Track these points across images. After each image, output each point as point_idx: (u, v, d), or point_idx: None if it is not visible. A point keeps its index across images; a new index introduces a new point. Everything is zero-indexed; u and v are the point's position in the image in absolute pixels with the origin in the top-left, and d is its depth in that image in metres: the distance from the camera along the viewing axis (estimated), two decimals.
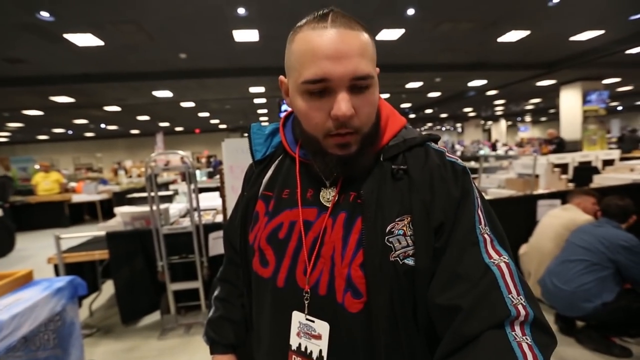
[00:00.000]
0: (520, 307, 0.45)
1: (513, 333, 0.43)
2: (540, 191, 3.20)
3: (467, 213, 0.52)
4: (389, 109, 0.61)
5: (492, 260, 0.49)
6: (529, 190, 3.12)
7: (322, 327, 0.53)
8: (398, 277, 0.50)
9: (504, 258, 0.50)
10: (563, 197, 2.93)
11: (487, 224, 0.53)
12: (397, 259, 0.50)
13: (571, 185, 3.45)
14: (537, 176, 3.31)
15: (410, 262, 0.50)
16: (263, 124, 0.70)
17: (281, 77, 0.57)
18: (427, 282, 0.50)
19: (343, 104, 0.48)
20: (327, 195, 0.57)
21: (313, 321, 0.53)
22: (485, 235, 0.51)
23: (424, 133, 0.62)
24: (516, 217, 2.81)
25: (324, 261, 0.54)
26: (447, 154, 0.57)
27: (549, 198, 2.91)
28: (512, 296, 0.47)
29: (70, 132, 16.49)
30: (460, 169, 0.55)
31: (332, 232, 0.54)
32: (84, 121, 13.10)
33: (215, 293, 0.77)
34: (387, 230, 0.51)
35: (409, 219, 0.52)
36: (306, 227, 0.56)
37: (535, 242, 2.42)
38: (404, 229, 0.51)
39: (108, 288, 2.94)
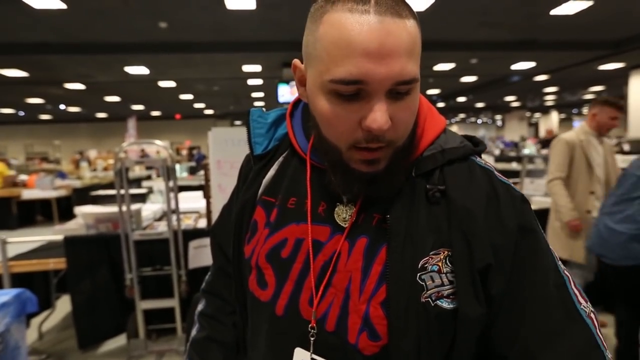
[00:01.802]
0: None
1: None
2: None
3: (543, 251, 0.53)
4: (426, 108, 0.60)
5: (582, 306, 0.51)
6: None
7: None
8: (428, 321, 0.50)
9: (590, 306, 0.53)
10: None
11: (559, 260, 0.55)
12: (429, 299, 0.51)
13: None
14: None
15: (444, 304, 0.51)
16: (264, 109, 0.68)
17: (296, 62, 0.56)
18: (473, 331, 0.51)
19: (379, 114, 0.47)
20: (344, 214, 0.57)
21: None
22: (567, 273, 0.53)
23: (462, 133, 0.62)
24: None
25: (335, 292, 0.54)
26: (496, 172, 0.57)
27: None
28: (608, 353, 0.50)
29: (21, 113, 16.69)
30: (518, 195, 0.55)
31: (349, 259, 0.54)
32: (39, 100, 13.25)
33: (200, 307, 0.78)
34: (419, 265, 0.51)
35: (446, 252, 0.52)
36: (315, 248, 0.56)
37: None
38: (439, 264, 0.51)
39: (63, 305, 2.97)
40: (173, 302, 2.45)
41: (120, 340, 2.65)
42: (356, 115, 0.48)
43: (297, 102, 0.67)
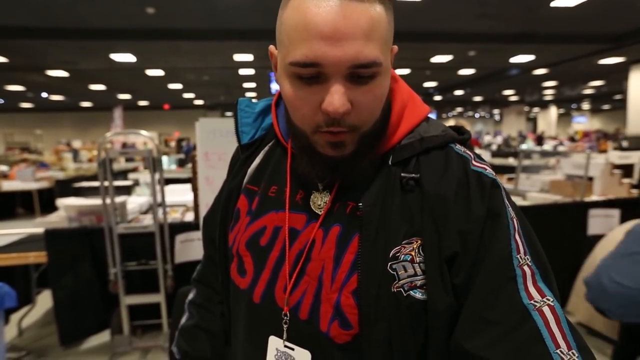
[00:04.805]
0: None
1: None
2: (593, 198, 3.22)
3: (499, 239, 0.52)
4: (406, 95, 0.61)
5: (532, 302, 0.49)
6: (578, 197, 3.14)
7: (303, 356, 0.55)
8: (399, 311, 0.51)
9: (548, 299, 0.49)
10: (624, 207, 2.95)
11: (527, 252, 0.52)
12: (401, 289, 0.51)
13: (635, 192, 3.47)
14: (590, 179, 3.33)
15: (417, 294, 0.51)
16: (253, 99, 0.70)
17: (271, 48, 0.58)
18: (444, 322, 0.51)
19: (336, 97, 0.48)
20: (319, 201, 0.58)
21: (293, 349, 0.55)
22: (525, 268, 0.50)
23: (450, 124, 0.62)
24: (561, 229, 2.84)
25: (308, 280, 0.56)
26: (473, 161, 0.57)
27: (604, 207, 2.92)
28: (560, 351, 0.46)
29: (1, 101, 16.44)
30: (488, 181, 0.54)
31: (323, 247, 0.56)
32: (19, 88, 13.05)
33: (191, 296, 0.81)
34: (390, 254, 0.52)
35: (419, 242, 0.53)
36: (292, 237, 0.58)
37: (591, 258, 2.45)
38: (412, 254, 0.52)
39: (44, 300, 2.95)
40: (159, 298, 2.45)
41: (103, 337, 2.64)
42: (316, 98, 0.50)
43: None
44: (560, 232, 2.85)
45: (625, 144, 9.83)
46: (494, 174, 0.56)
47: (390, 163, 0.57)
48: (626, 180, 3.52)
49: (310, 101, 0.50)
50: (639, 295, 1.85)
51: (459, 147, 0.59)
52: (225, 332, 0.74)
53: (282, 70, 0.52)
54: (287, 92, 0.52)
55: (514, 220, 0.54)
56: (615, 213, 2.87)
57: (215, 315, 0.76)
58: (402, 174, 0.56)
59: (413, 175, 0.55)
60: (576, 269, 2.70)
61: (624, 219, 2.82)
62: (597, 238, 2.67)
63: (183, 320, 0.80)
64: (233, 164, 0.72)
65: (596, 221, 2.86)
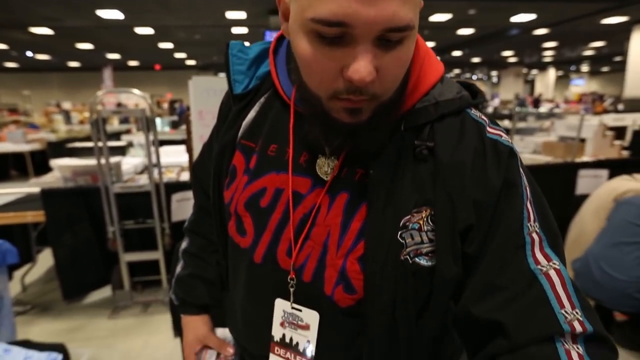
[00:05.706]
0: (576, 323, 0.46)
1: (562, 341, 0.46)
2: (584, 159, 3.28)
3: (512, 209, 0.51)
4: (423, 53, 0.56)
5: (539, 266, 0.49)
6: (570, 158, 3.19)
7: (310, 317, 0.56)
8: (405, 278, 0.51)
9: (554, 263, 0.50)
10: (613, 167, 3.02)
11: (536, 219, 0.52)
12: (408, 256, 0.52)
13: (625, 154, 3.53)
14: (583, 140, 3.37)
15: (422, 261, 0.52)
16: (246, 43, 0.65)
17: None
18: (449, 289, 0.52)
19: (363, 64, 0.43)
20: (325, 167, 0.56)
21: (300, 310, 0.57)
22: (534, 235, 0.51)
23: (458, 80, 0.60)
24: (551, 188, 2.90)
25: (312, 245, 0.55)
26: (488, 128, 0.54)
27: (594, 167, 2.98)
28: (565, 311, 0.47)
29: None
30: (505, 150, 0.53)
31: (329, 213, 0.55)
32: (2, 46, 12.63)
33: (184, 245, 0.83)
34: (400, 224, 0.52)
35: (428, 211, 0.52)
36: (295, 200, 0.56)
37: (578, 216, 2.53)
38: (420, 222, 0.52)
39: (46, 258, 3.03)
40: (157, 255, 2.52)
41: (105, 292, 2.74)
42: (338, 62, 0.44)
43: (282, 37, 0.63)
44: (551, 192, 2.93)
45: (621, 107, 9.84)
46: (510, 140, 0.55)
47: (402, 129, 0.54)
48: (617, 142, 3.57)
49: (331, 65, 0.45)
50: (630, 286, 1.93)
51: (474, 112, 0.56)
52: (222, 278, 0.76)
53: (298, 25, 0.45)
54: (302, 52, 0.46)
55: (527, 188, 0.53)
56: (604, 173, 2.93)
57: (210, 264, 0.78)
58: (416, 142, 0.53)
59: (427, 143, 0.53)
60: (565, 228, 2.80)
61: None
62: (585, 197, 2.74)
63: (178, 269, 0.81)
64: (225, 113, 0.68)
65: (585, 181, 2.92)
